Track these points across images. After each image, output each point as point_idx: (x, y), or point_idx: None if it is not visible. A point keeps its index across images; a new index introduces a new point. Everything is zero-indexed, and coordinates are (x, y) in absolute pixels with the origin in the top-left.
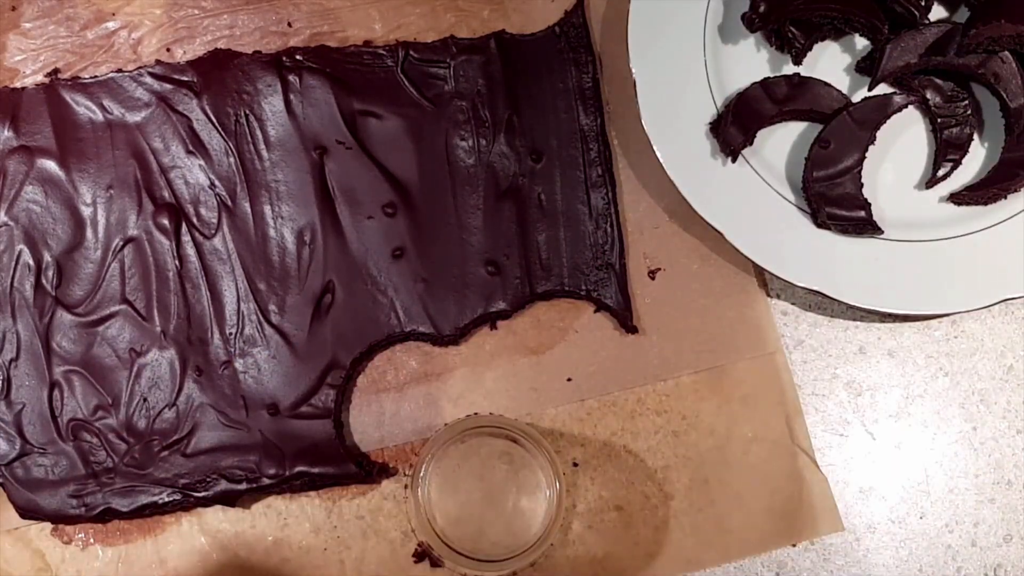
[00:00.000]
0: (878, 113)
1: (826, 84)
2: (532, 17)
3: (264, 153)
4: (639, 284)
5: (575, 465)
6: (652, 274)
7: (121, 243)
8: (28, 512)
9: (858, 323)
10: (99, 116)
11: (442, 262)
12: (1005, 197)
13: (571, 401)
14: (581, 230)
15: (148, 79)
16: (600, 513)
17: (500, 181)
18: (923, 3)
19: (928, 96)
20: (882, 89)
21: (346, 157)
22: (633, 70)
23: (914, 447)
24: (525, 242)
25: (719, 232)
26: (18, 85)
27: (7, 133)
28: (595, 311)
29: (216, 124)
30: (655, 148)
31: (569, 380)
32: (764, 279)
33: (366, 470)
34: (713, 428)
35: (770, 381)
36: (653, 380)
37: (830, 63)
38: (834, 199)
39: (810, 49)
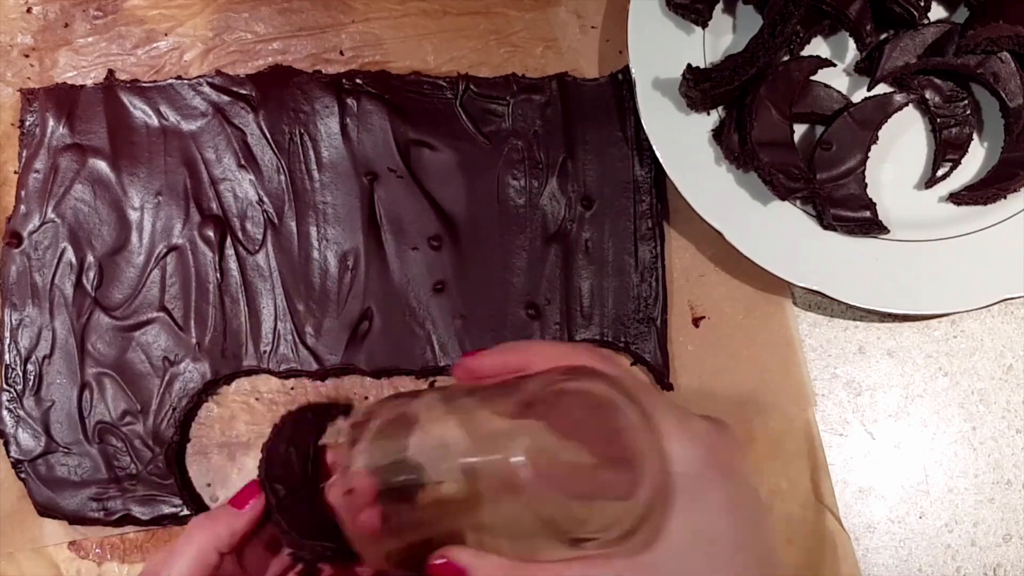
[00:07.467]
0: (879, 112)
1: (826, 86)
2: (586, 56)
3: (315, 174)
4: (683, 332)
5: None
6: (696, 322)
7: (164, 250)
8: (47, 510)
9: (858, 323)
10: (155, 121)
11: (483, 300)
12: (1004, 197)
13: None
14: (626, 281)
15: (207, 89)
16: None
17: (548, 224)
18: (922, 3)
19: (927, 96)
20: (882, 88)
21: (396, 185)
22: (633, 70)
23: (913, 447)
24: (568, 288)
25: (718, 232)
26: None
27: (62, 130)
28: (632, 363)
29: (270, 140)
30: (655, 148)
31: None
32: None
33: None
34: None
35: (799, 436)
36: None
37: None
38: (839, 200)
39: (807, 42)
